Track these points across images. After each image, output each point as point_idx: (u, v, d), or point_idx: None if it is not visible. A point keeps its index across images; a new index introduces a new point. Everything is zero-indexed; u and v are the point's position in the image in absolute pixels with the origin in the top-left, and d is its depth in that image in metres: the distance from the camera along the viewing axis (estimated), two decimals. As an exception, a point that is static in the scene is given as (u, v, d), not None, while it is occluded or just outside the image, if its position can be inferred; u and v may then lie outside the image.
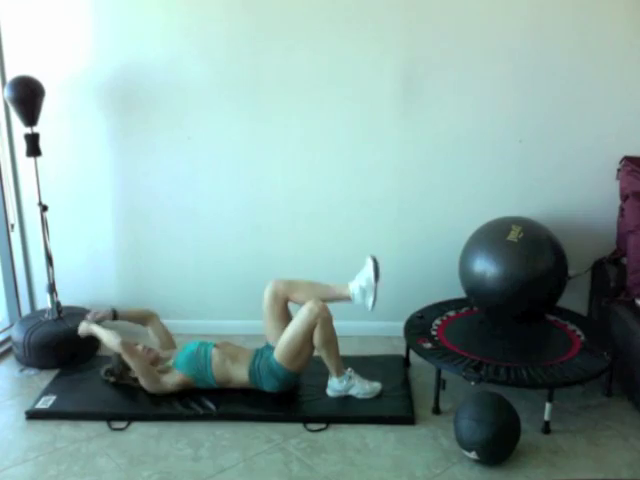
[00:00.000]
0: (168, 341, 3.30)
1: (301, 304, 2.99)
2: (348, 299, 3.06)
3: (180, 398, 3.01)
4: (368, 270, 3.01)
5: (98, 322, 3.17)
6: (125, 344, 2.98)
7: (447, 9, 3.31)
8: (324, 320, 2.88)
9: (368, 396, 3.02)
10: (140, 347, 3.09)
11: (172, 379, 3.01)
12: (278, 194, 3.64)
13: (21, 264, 3.82)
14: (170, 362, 3.07)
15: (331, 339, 2.94)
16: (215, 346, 3.06)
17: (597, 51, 3.32)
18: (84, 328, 3.16)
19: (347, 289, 3.05)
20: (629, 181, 3.27)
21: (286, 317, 3.10)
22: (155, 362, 3.09)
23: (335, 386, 3.03)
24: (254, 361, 3.01)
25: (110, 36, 3.47)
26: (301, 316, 2.90)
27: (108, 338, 3.03)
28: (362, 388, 3.02)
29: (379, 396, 3.03)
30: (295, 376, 3.01)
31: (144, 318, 3.32)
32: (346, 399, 3.02)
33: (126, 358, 3.00)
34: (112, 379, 3.13)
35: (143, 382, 3.01)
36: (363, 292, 3.01)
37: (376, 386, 3.05)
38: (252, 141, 3.56)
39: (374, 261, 3.02)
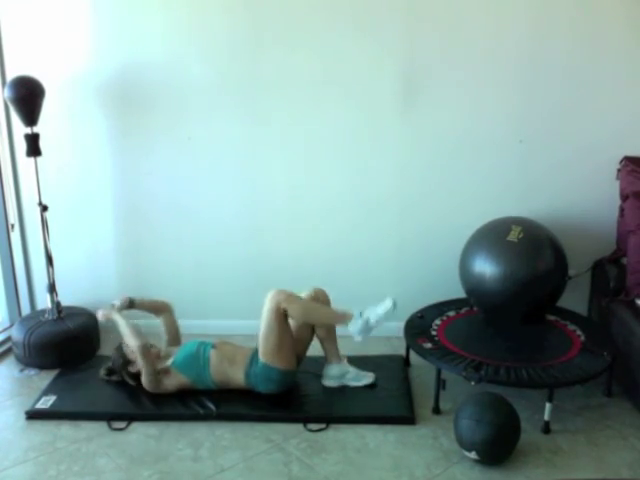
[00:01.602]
0: (176, 336, 3.29)
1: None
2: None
3: (180, 398, 3.01)
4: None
5: (118, 311, 3.15)
6: (144, 348, 2.99)
7: (447, 10, 3.31)
8: (288, 301, 2.88)
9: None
10: (155, 350, 3.11)
11: (171, 381, 3.02)
12: (278, 194, 3.64)
13: (21, 264, 3.82)
14: (169, 362, 3.07)
15: (307, 312, 2.96)
16: (213, 347, 3.06)
17: (597, 51, 3.32)
18: (106, 314, 3.14)
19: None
20: (629, 181, 3.27)
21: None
22: (156, 359, 3.10)
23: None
24: (250, 363, 3.00)
25: (110, 36, 3.47)
26: (265, 309, 2.92)
27: (129, 336, 3.03)
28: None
29: (379, 392, 3.05)
30: (288, 375, 3.00)
31: (159, 309, 3.30)
32: (346, 398, 3.02)
33: (139, 359, 2.99)
34: (114, 377, 3.13)
35: (146, 383, 3.00)
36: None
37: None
38: (252, 141, 3.56)
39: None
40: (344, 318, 2.95)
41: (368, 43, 3.38)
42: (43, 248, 3.50)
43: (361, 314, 2.96)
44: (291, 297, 2.92)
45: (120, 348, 3.11)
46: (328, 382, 3.10)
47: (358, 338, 2.97)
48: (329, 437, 2.79)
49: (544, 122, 3.43)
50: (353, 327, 2.96)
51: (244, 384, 3.00)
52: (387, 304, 2.97)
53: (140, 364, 3.01)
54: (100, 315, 3.20)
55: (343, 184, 3.59)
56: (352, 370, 3.11)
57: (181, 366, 3.02)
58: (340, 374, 3.09)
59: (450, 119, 3.46)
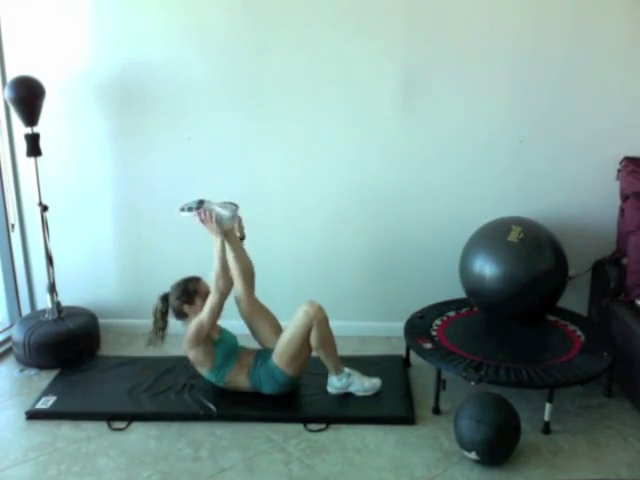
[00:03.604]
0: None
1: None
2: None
3: (180, 398, 3.01)
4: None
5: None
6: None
7: (447, 10, 3.31)
8: (320, 322, 2.88)
9: (368, 393, 3.02)
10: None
11: (206, 349, 2.94)
12: (278, 194, 3.64)
13: (21, 264, 3.82)
14: (217, 336, 3.02)
15: (328, 340, 2.95)
16: (241, 355, 3.06)
17: (597, 51, 3.32)
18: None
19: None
20: (629, 181, 3.27)
21: (265, 313, 3.13)
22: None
23: (334, 383, 3.03)
24: (254, 365, 3.00)
25: (110, 36, 3.47)
26: (297, 320, 2.90)
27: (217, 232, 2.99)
28: (362, 385, 3.02)
29: (379, 393, 3.04)
30: (294, 380, 3.01)
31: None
32: (346, 399, 3.02)
33: (218, 251, 2.98)
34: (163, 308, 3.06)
35: (201, 321, 2.89)
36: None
37: (375, 382, 3.05)
38: (252, 141, 3.56)
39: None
40: (340, 371, 3.01)
41: (368, 43, 3.38)
42: (43, 248, 3.50)
43: (349, 375, 3.02)
44: (325, 319, 2.91)
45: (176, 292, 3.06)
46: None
47: (332, 391, 3.04)
48: (329, 437, 2.79)
49: (544, 122, 3.43)
50: (335, 382, 3.02)
51: (249, 387, 3.01)
52: (376, 384, 3.05)
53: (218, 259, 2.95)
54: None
55: (343, 184, 3.59)
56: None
57: (221, 345, 2.98)
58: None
59: (450, 119, 3.46)
